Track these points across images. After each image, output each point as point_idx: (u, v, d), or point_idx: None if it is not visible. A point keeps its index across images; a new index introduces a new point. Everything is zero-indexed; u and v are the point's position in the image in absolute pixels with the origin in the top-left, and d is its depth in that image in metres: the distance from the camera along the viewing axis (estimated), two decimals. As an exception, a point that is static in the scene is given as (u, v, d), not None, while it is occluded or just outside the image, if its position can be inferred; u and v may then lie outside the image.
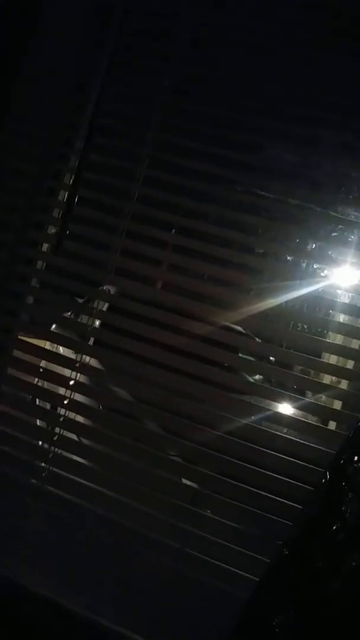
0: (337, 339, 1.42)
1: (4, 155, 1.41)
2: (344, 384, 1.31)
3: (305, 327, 1.33)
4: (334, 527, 0.89)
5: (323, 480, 0.95)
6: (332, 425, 1.37)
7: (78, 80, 1.45)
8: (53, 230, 1.43)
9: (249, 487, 1.17)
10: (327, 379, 1.35)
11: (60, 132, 1.45)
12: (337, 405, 1.38)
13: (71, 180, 1.38)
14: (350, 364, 1.30)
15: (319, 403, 1.29)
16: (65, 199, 1.41)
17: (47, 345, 1.48)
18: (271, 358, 1.59)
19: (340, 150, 1.29)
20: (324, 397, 1.37)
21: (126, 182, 1.36)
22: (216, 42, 1.36)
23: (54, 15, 1.43)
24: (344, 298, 1.42)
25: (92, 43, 1.43)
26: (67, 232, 1.34)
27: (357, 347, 1.25)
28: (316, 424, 1.31)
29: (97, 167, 1.37)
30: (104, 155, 1.38)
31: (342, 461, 0.94)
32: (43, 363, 1.42)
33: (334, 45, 1.29)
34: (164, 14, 1.40)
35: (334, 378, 1.31)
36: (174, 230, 1.44)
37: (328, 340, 1.33)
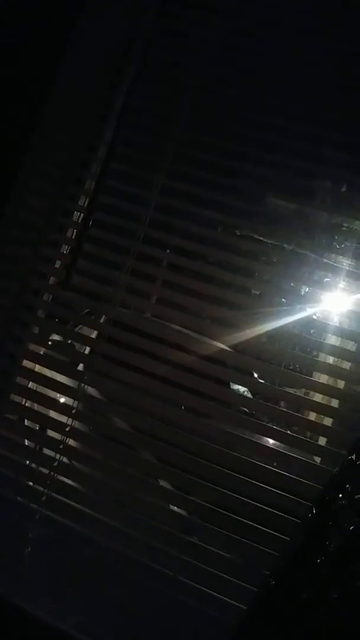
0: (322, 378, 1.51)
1: (17, 191, 1.49)
2: (327, 421, 1.39)
3: (297, 366, 1.40)
4: (319, 560, 0.95)
5: (309, 515, 1.01)
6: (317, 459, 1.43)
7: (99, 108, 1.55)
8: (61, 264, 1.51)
9: (238, 518, 1.23)
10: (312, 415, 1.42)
11: (73, 171, 1.53)
12: (322, 441, 1.45)
13: (80, 219, 1.47)
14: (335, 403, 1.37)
15: (305, 438, 1.35)
16: (74, 235, 1.49)
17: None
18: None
19: (335, 202, 1.38)
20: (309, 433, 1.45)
21: (133, 224, 1.45)
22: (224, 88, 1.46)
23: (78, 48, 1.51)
24: (333, 341, 1.50)
25: (112, 76, 1.54)
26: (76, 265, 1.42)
27: (341, 387, 1.34)
28: (302, 457, 1.37)
29: (107, 208, 1.46)
30: (113, 197, 1.47)
31: (327, 497, 1.01)
32: (45, 390, 1.47)
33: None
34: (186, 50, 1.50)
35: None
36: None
37: (314, 379, 1.40)
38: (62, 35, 1.48)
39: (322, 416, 1.37)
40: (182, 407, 1.35)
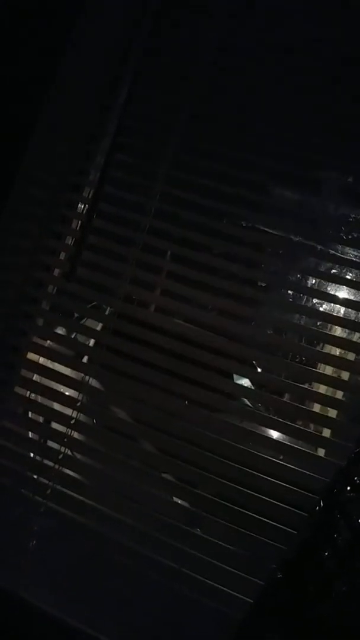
0: (327, 370, 1.50)
1: (20, 183, 1.48)
2: (332, 413, 1.38)
3: (304, 359, 1.39)
4: (326, 553, 0.94)
5: (317, 508, 1.00)
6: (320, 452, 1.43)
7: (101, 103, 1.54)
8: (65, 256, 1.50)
9: (244, 511, 1.23)
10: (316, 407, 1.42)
11: (76, 163, 1.52)
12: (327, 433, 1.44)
13: (84, 210, 1.46)
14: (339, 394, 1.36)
15: (310, 430, 1.34)
16: (78, 227, 1.48)
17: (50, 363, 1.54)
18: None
19: (341, 193, 1.37)
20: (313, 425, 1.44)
21: (138, 215, 1.44)
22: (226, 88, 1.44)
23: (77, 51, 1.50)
24: (339, 332, 1.49)
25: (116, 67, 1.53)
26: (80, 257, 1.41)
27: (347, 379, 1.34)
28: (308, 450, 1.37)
29: (111, 199, 1.45)
30: (118, 188, 1.46)
31: (335, 490, 1.00)
32: (50, 382, 1.47)
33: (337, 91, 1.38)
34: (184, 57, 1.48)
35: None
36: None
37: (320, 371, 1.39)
38: (64, 27, 1.47)
39: (327, 408, 1.35)
40: (186, 401, 1.34)
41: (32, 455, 1.41)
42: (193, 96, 1.45)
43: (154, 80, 1.48)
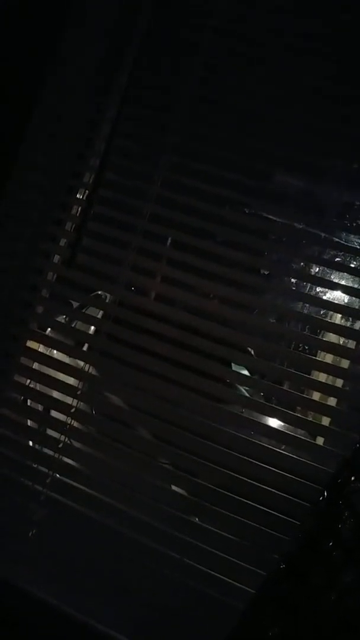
0: (327, 358, 1.49)
1: (19, 169, 1.45)
2: (332, 401, 1.37)
3: (307, 347, 1.38)
4: (330, 544, 0.93)
5: (321, 498, 0.99)
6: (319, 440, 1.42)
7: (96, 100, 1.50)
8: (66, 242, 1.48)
9: (245, 500, 1.22)
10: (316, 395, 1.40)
11: (76, 148, 1.49)
12: (326, 421, 1.43)
13: (85, 196, 1.44)
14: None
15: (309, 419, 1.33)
16: (78, 213, 1.46)
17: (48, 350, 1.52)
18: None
19: (346, 180, 1.34)
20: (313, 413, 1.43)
21: (139, 201, 1.41)
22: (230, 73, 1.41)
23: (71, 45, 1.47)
24: (343, 320, 1.48)
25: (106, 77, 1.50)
26: (81, 244, 1.39)
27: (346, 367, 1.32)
28: (308, 439, 1.36)
29: (112, 185, 1.42)
30: (119, 174, 1.43)
31: (339, 480, 0.99)
32: (49, 370, 1.45)
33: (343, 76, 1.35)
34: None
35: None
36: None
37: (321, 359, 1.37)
38: (61, 21, 1.44)
39: (326, 396, 1.34)
40: (184, 389, 1.33)
41: (31, 444, 1.40)
42: (196, 80, 1.42)
43: (155, 63, 1.45)
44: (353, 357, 1.28)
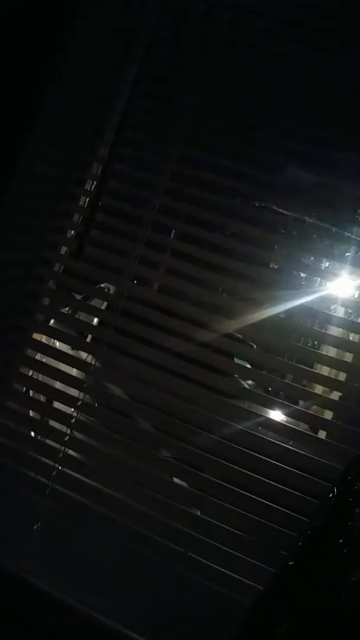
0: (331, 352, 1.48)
1: (28, 162, 1.43)
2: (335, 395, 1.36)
3: (316, 343, 1.36)
4: (340, 541, 0.92)
5: (330, 495, 0.98)
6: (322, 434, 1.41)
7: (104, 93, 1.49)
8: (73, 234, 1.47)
9: (251, 495, 1.21)
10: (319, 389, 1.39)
11: (85, 140, 1.48)
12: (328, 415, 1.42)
13: (93, 187, 1.43)
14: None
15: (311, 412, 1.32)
16: (86, 204, 1.44)
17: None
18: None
19: (358, 174, 1.33)
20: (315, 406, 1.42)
21: (148, 193, 1.40)
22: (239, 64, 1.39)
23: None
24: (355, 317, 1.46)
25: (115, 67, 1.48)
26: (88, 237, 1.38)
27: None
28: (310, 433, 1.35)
29: (120, 177, 1.41)
30: (128, 165, 1.42)
31: (349, 477, 0.98)
32: (56, 363, 1.44)
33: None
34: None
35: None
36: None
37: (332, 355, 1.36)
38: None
39: (330, 390, 1.33)
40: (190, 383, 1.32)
41: (37, 436, 1.39)
42: (207, 72, 1.40)
43: (166, 55, 1.43)
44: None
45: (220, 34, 1.41)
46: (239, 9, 1.38)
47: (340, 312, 1.37)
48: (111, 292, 1.52)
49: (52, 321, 1.50)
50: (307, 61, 1.34)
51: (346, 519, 0.94)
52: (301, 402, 1.46)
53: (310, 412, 1.31)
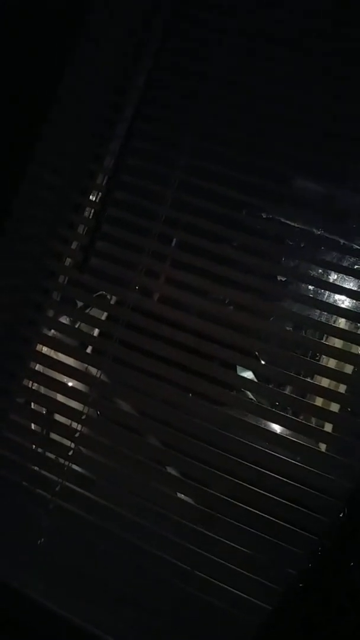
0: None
1: (36, 171, 1.42)
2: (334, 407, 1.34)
3: (324, 357, 1.34)
4: (352, 564, 0.90)
5: (341, 515, 0.96)
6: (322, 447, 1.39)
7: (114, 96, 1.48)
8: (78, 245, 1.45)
9: (253, 510, 1.19)
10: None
11: (91, 148, 1.47)
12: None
13: (99, 198, 1.41)
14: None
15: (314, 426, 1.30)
16: (91, 215, 1.43)
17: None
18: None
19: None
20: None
21: (154, 204, 1.38)
22: (249, 73, 1.38)
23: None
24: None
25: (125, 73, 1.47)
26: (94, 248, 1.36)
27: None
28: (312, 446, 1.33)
29: (127, 187, 1.39)
30: (134, 176, 1.40)
31: (361, 497, 0.96)
32: (60, 376, 1.42)
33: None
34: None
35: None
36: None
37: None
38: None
39: (329, 402, 1.31)
40: (194, 395, 1.30)
41: (41, 451, 1.37)
42: (215, 81, 1.39)
43: (175, 64, 1.42)
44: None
45: (229, 41, 1.40)
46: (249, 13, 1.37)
47: (347, 325, 1.35)
48: (112, 299, 1.50)
49: (56, 333, 1.48)
50: (316, 71, 1.32)
51: (357, 539, 0.92)
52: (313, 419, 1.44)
53: (323, 429, 1.29)
